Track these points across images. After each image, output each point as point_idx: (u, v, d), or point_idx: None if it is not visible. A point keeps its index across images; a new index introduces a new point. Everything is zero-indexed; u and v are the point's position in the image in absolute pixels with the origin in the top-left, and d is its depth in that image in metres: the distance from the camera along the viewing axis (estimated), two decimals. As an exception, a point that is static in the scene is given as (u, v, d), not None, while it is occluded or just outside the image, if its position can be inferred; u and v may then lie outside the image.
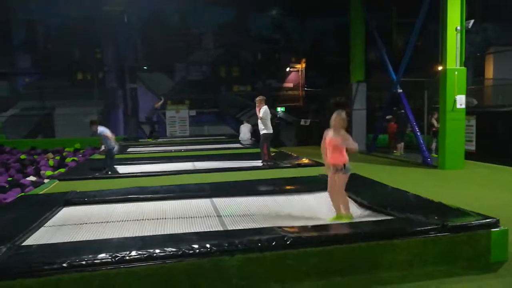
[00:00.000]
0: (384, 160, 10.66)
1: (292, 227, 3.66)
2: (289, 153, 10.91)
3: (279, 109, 18.97)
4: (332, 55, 18.64)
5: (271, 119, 8.81)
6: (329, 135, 4.34)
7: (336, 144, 4.22)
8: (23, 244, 3.50)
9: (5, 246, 3.22)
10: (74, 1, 16.69)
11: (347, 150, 4.29)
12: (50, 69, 17.15)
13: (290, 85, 19.38)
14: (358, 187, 5.33)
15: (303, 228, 3.58)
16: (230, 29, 18.59)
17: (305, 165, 8.51)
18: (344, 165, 4.23)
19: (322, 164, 4.89)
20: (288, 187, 5.92)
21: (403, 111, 11.54)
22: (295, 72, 19.36)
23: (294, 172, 7.63)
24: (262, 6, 18.26)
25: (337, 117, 4.32)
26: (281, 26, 18.86)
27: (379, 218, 4.16)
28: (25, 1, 16.70)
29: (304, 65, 19.14)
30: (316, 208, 4.94)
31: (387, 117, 13.09)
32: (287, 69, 19.18)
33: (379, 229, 3.59)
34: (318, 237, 3.34)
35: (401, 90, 11.32)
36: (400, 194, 5.08)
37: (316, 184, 5.87)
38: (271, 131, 8.64)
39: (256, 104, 8.62)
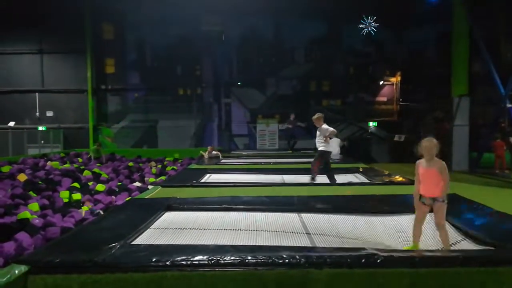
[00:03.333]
0: (490, 181, 9.73)
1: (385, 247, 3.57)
2: (381, 170, 10.52)
3: (371, 123, 18.42)
4: (431, 67, 17.63)
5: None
6: (421, 165, 4.06)
7: (433, 175, 3.95)
8: (132, 242, 3.92)
9: (118, 243, 3.65)
10: (178, 22, 18.29)
11: None
12: (155, 85, 18.93)
13: (384, 99, 18.74)
14: (458, 210, 4.97)
15: (396, 248, 3.47)
16: (322, 43, 18.68)
17: (398, 183, 8.14)
18: (444, 197, 3.92)
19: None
20: (380, 206, 5.74)
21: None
22: (389, 86, 18.68)
23: (386, 189, 7.35)
24: (355, 18, 18.06)
25: (430, 144, 3.99)
26: (375, 38, 18.39)
27: (481, 244, 3.85)
28: (137, 23, 18.73)
29: (399, 78, 18.38)
30: (410, 232, 4.72)
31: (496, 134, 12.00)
32: (381, 83, 18.58)
33: (481, 254, 3.34)
34: (411, 257, 3.21)
35: (510, 105, 10.33)
36: (507, 219, 4.63)
37: (410, 206, 5.59)
38: (330, 149, 8.42)
39: (314, 123, 8.37)
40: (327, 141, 8.25)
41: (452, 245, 4.03)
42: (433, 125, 16.24)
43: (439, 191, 3.93)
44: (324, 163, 8.44)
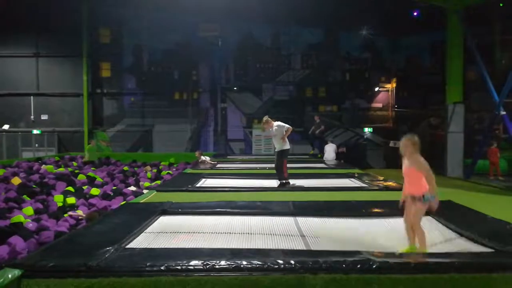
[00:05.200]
0: (485, 188, 9.79)
1: (380, 252, 3.57)
2: (376, 175, 10.55)
3: (366, 129, 18.49)
4: (426, 74, 17.79)
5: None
6: (404, 164, 4.03)
7: (412, 173, 3.91)
8: (127, 246, 3.90)
9: (113, 247, 3.63)
10: (175, 28, 18.33)
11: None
12: (151, 90, 18.91)
13: (379, 105, 18.84)
14: (453, 216, 4.99)
15: (391, 254, 3.47)
16: (319, 50, 18.79)
17: (393, 189, 8.16)
18: (423, 195, 3.88)
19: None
20: (374, 210, 5.76)
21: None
22: (385, 92, 18.79)
23: (381, 195, 7.37)
24: (351, 25, 18.19)
25: (406, 142, 3.90)
26: (371, 45, 18.53)
27: (477, 250, 3.86)
28: (134, 27, 18.75)
29: (394, 84, 18.50)
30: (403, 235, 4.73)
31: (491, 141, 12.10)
32: (376, 89, 18.69)
33: (476, 260, 3.35)
34: (407, 263, 3.22)
35: (504, 112, 10.41)
36: (501, 225, 4.65)
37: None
38: (288, 146, 8.32)
39: (264, 127, 8.35)
40: (285, 140, 8.19)
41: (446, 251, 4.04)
42: (428, 131, 16.34)
43: (417, 189, 3.87)
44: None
